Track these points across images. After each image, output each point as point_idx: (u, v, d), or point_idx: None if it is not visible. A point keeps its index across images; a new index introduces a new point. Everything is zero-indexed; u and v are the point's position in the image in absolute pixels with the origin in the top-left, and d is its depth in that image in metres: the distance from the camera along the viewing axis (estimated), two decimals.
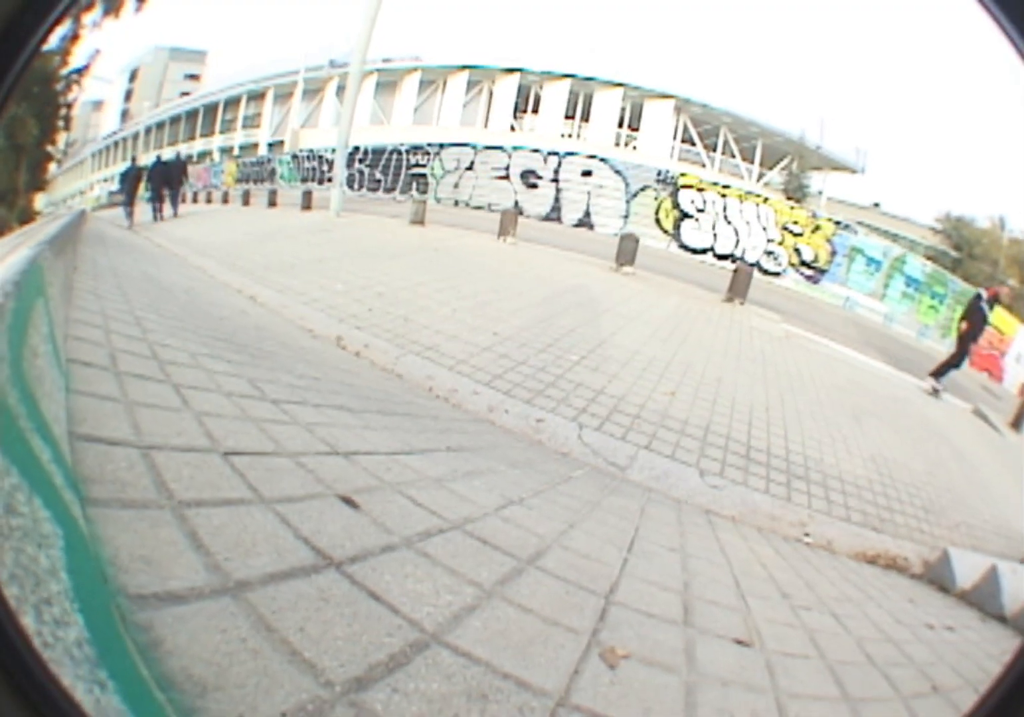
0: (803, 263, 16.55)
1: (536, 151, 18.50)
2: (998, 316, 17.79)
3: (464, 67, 28.28)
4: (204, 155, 31.73)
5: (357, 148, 20.59)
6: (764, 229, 16.58)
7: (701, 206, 16.90)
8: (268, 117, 31.11)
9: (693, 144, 27.81)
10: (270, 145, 30.39)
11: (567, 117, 28.28)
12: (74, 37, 23.03)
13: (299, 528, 1.47)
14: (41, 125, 22.74)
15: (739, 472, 3.80)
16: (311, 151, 24.48)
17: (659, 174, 17.22)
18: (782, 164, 27.35)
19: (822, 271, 16.63)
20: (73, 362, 1.91)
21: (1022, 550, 4.20)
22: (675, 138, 27.63)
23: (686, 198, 16.94)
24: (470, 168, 19.27)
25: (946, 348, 17.00)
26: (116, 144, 34.03)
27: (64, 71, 23.76)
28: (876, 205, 29.50)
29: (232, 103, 31.73)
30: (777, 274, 16.41)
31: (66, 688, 0.84)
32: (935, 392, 8.96)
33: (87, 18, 23.35)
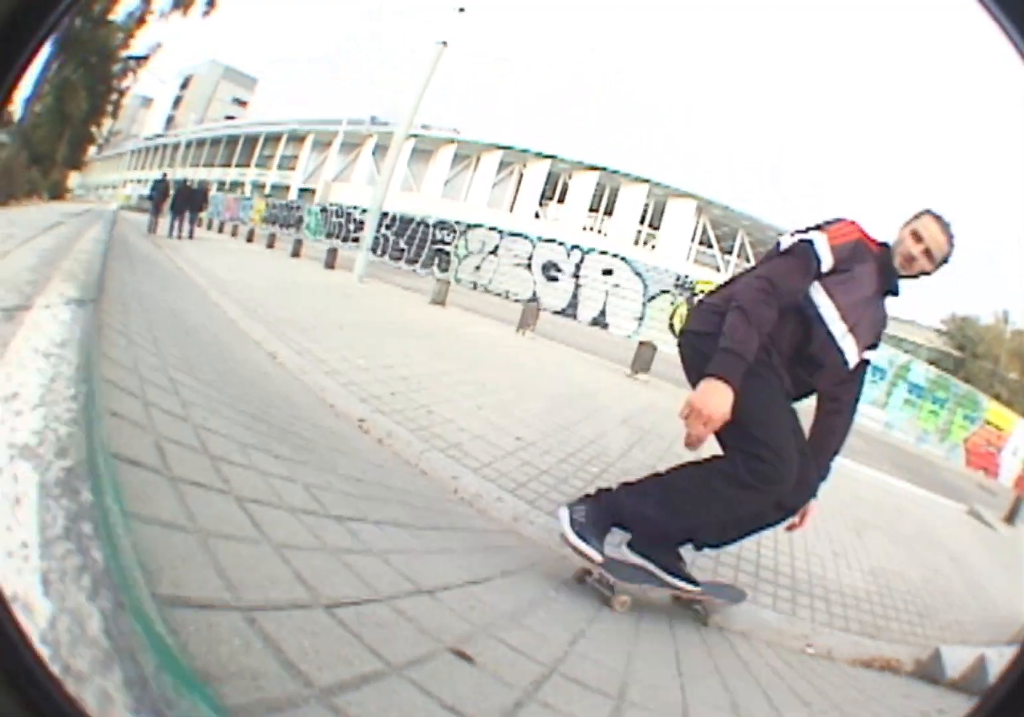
0: None
1: (561, 244, 18.58)
2: (994, 413, 17.90)
3: (499, 146, 28.97)
4: (236, 185, 32.25)
5: (385, 213, 20.74)
6: None
7: None
8: (304, 162, 31.80)
9: (710, 246, 28.20)
10: (301, 191, 30.86)
11: (591, 210, 28.76)
12: (141, 20, 24.21)
13: (442, 697, 1.44)
14: (91, 101, 23.73)
15: (749, 590, 3.85)
16: (340, 207, 24.61)
17: (678, 279, 17.31)
18: None
19: None
20: (119, 459, 1.78)
21: (1008, 633, 4.34)
22: (693, 239, 28.01)
23: None
24: (494, 252, 19.34)
25: (943, 452, 17.16)
26: (156, 149, 34.95)
27: (124, 53, 25.33)
28: None
29: (272, 139, 32.39)
30: None
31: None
32: None
33: (156, 3, 24.38)
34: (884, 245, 3.12)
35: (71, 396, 1.53)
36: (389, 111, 28.74)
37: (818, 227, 3.00)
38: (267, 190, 31.55)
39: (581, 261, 18.15)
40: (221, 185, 31.56)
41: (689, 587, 3.10)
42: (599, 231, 28.59)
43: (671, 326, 16.92)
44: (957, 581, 5.62)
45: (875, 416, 16.87)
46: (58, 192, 26.55)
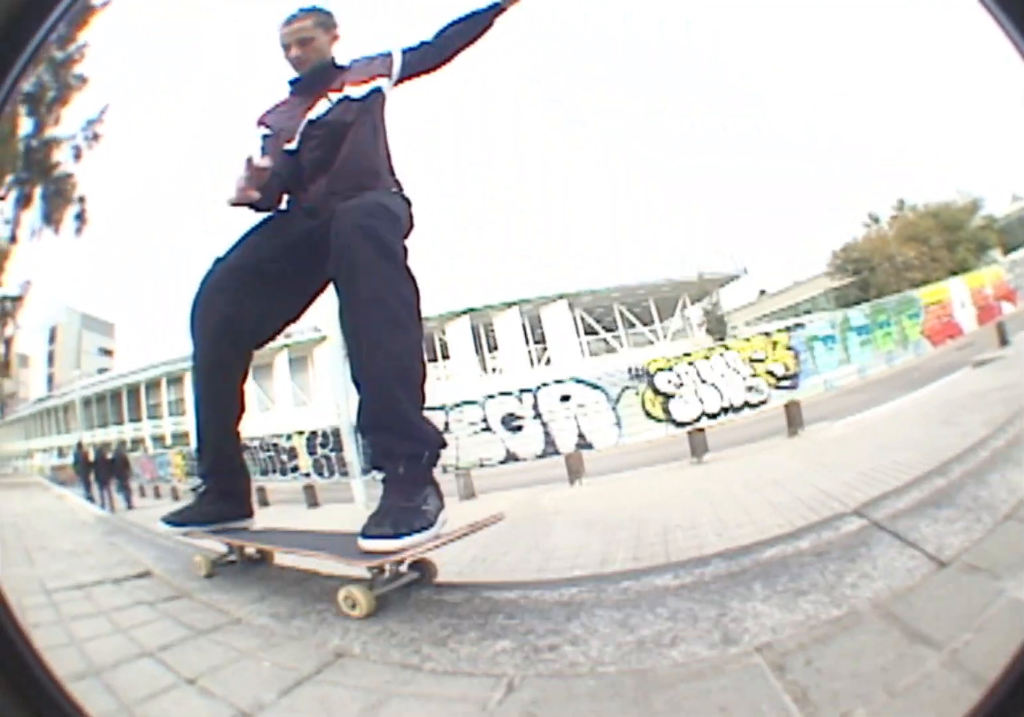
0: (779, 379, 17.31)
1: (508, 394, 18.59)
2: (927, 295, 19.29)
3: None
4: (137, 442, 30.00)
5: (315, 433, 19.74)
6: (737, 372, 17.47)
7: (679, 381, 17.47)
8: (191, 403, 29.61)
9: (596, 333, 28.54)
10: None
11: (477, 351, 28.69)
12: (12, 239, 21.70)
13: None
14: None
15: None
16: (262, 440, 22.35)
17: (631, 371, 17.68)
18: (679, 307, 28.62)
19: (796, 376, 17.38)
20: None
21: None
22: (579, 335, 28.25)
23: (663, 381, 17.44)
24: (447, 430, 18.41)
25: (912, 354, 18.03)
26: (48, 412, 32.40)
27: None
28: (763, 292, 30.04)
29: (153, 386, 30.62)
30: (764, 402, 17.07)
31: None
32: None
33: (26, 217, 21.82)
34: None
35: None
36: None
37: None
38: (168, 441, 29.27)
39: (536, 401, 18.13)
40: (123, 444, 28.53)
41: None
42: (493, 370, 28.55)
43: (647, 413, 17.36)
44: None
45: (847, 372, 17.64)
46: None
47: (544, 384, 18.24)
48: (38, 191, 22.05)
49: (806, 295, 27.82)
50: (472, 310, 28.17)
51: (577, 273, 28.41)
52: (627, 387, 17.45)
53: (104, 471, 18.48)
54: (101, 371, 33.51)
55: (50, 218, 22.11)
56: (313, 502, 15.47)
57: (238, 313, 3.63)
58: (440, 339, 28.92)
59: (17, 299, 23.87)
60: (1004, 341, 12.49)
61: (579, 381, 18.09)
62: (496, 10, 4.07)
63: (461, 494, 12.64)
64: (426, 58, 3.95)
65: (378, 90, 3.74)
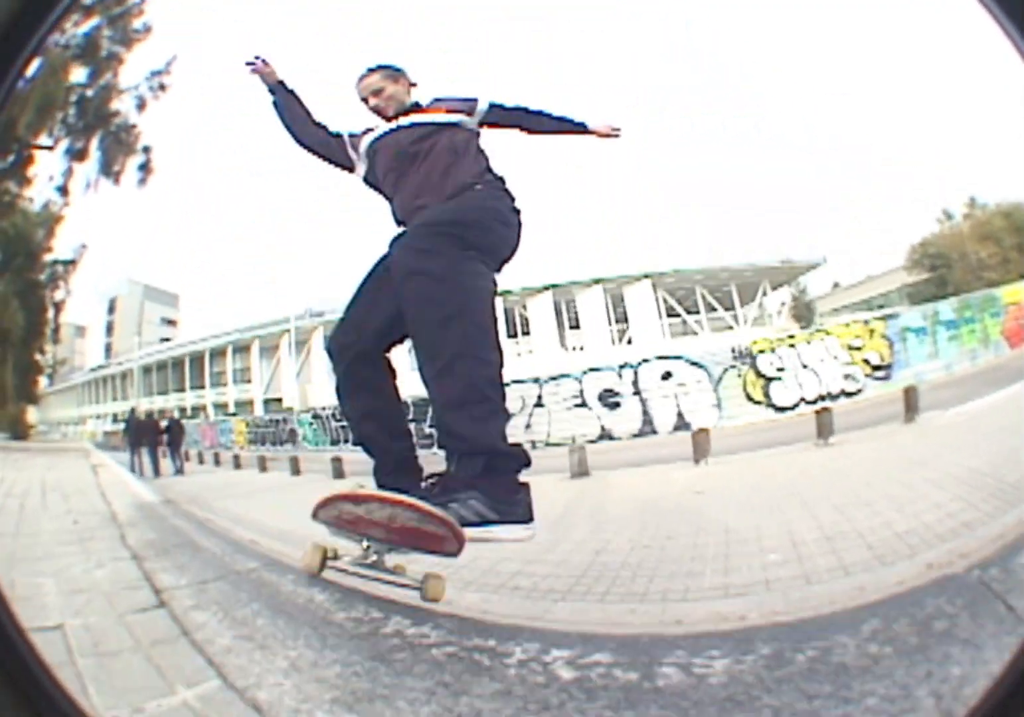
0: (875, 368, 17.26)
1: (608, 369, 18.39)
2: (1008, 294, 19.39)
3: None
4: (198, 410, 30.50)
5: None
6: (835, 358, 17.40)
7: (780, 365, 17.30)
8: (257, 371, 30.23)
9: (677, 315, 28.29)
10: (266, 402, 29.28)
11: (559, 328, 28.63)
12: (63, 191, 21.06)
13: None
14: (27, 318, 21.32)
15: None
16: (335, 410, 22.03)
17: (734, 351, 17.54)
18: (759, 293, 28.43)
19: (890, 366, 17.34)
20: None
21: None
22: (660, 316, 27.98)
23: (765, 363, 17.26)
24: (539, 404, 18.63)
25: (992, 353, 18.10)
26: (104, 380, 33.13)
27: (49, 257, 22.39)
28: (836, 285, 30.14)
29: (218, 354, 30.90)
30: (859, 391, 17.03)
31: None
32: None
33: (80, 170, 21.10)
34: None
35: None
36: (324, 299, 28.23)
37: None
38: (231, 409, 30.02)
39: (636, 377, 17.89)
40: (182, 411, 29.78)
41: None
42: (573, 348, 28.38)
43: (748, 396, 17.25)
44: None
45: (935, 367, 17.54)
46: (20, 431, 24.90)
47: (646, 360, 17.96)
48: (94, 142, 21.15)
49: (880, 290, 27.76)
50: (555, 286, 27.95)
51: (661, 254, 28.31)
52: (729, 367, 17.21)
53: (155, 437, 18.40)
54: (163, 340, 34.32)
55: (108, 169, 21.34)
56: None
57: (360, 367, 3.98)
58: (521, 314, 28.89)
59: (70, 263, 23.21)
60: None
61: (682, 358, 17.84)
62: (580, 130, 4.19)
63: (573, 472, 11.17)
64: (511, 118, 4.07)
65: (455, 123, 3.86)
